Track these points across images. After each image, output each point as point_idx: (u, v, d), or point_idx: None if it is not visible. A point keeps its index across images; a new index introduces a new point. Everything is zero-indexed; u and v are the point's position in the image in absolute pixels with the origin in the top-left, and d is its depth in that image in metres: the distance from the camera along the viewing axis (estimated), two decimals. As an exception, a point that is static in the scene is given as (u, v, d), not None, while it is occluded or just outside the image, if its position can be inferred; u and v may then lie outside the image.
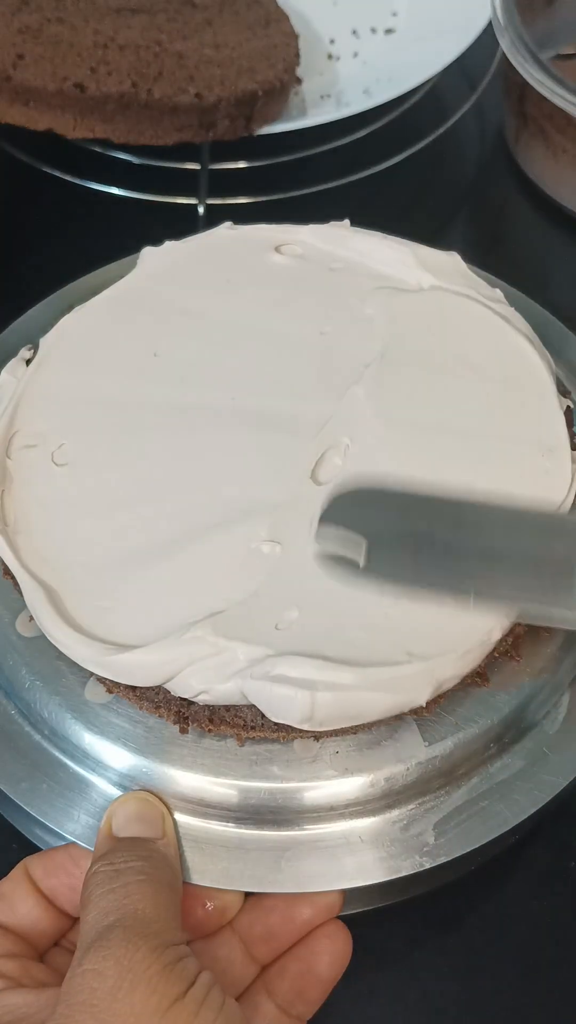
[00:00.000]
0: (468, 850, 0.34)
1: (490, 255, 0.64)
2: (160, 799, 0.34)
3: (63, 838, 0.35)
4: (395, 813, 0.35)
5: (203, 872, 0.33)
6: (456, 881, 0.38)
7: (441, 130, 0.64)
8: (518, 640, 0.37)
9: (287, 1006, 0.34)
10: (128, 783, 0.35)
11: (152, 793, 0.34)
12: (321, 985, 0.34)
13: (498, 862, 0.39)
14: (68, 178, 0.61)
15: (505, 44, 0.59)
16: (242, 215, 0.59)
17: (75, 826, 0.34)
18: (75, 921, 0.35)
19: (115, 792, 0.35)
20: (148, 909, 0.30)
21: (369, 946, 0.36)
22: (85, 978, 0.28)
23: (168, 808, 0.34)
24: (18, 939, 0.34)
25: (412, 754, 0.34)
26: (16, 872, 0.35)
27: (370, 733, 0.34)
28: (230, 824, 0.34)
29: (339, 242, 0.46)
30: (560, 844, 0.43)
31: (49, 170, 0.61)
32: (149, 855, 0.32)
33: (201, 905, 0.34)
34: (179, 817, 0.34)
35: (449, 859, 0.34)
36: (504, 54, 0.59)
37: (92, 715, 0.35)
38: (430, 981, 0.41)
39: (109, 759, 0.35)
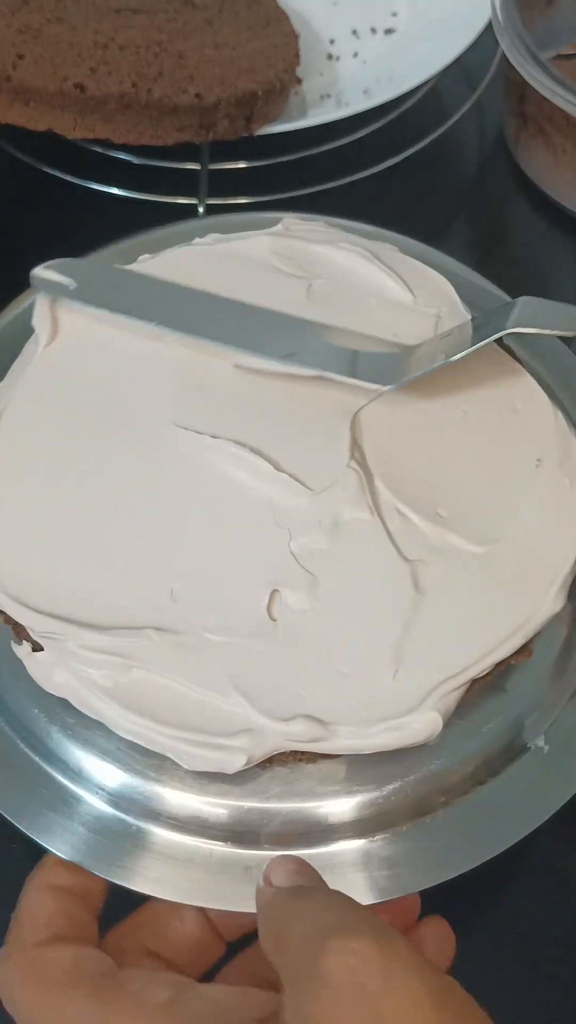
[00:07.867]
0: (454, 875, 0.34)
1: (490, 255, 0.64)
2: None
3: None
4: (380, 836, 0.34)
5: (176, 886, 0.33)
6: (456, 881, 0.38)
7: (441, 130, 0.64)
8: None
9: None
10: (114, 798, 0.34)
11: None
12: None
13: (498, 862, 0.39)
14: (68, 178, 0.61)
15: (505, 44, 0.59)
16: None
17: (62, 843, 0.34)
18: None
19: (104, 807, 0.35)
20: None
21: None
22: (342, 956, 0.25)
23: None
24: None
25: (400, 777, 0.34)
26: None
27: (359, 755, 0.34)
28: (216, 842, 0.34)
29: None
30: (560, 844, 0.43)
31: (49, 170, 0.61)
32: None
33: None
34: (162, 833, 0.34)
35: (435, 884, 0.33)
36: (504, 54, 0.59)
37: (79, 728, 0.35)
38: (430, 981, 0.41)
39: (93, 773, 0.35)
